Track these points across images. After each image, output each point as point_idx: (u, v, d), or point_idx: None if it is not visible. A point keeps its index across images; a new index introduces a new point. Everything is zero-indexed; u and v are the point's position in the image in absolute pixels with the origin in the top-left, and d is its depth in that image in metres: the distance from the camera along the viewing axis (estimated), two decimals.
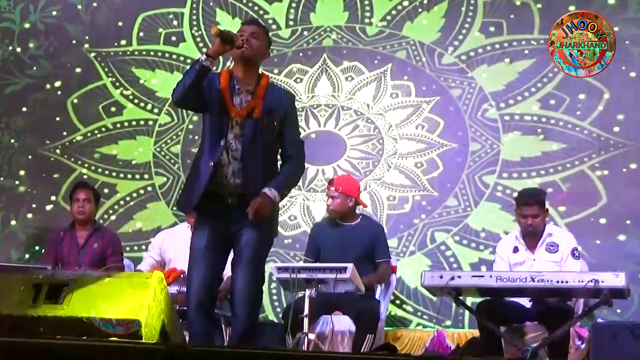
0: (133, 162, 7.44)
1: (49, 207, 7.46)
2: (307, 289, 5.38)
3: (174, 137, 7.41)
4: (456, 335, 6.27)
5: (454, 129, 6.93)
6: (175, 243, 6.27)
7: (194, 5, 7.59)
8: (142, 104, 7.52)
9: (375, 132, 7.07)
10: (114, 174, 7.44)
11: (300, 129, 6.80)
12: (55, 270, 5.78)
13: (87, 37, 7.66)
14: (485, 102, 6.89)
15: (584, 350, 5.70)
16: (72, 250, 6.30)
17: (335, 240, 5.99)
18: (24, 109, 7.66)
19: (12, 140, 7.63)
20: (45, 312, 3.89)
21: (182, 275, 5.67)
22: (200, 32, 7.54)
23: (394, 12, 7.20)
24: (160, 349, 2.84)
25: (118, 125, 7.52)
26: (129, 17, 7.65)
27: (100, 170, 7.46)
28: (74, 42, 7.67)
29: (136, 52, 7.62)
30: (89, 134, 7.53)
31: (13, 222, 7.48)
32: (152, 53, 7.59)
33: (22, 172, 7.58)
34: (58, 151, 7.54)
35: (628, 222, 6.48)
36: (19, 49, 7.74)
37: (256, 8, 7.47)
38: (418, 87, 7.06)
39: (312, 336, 5.35)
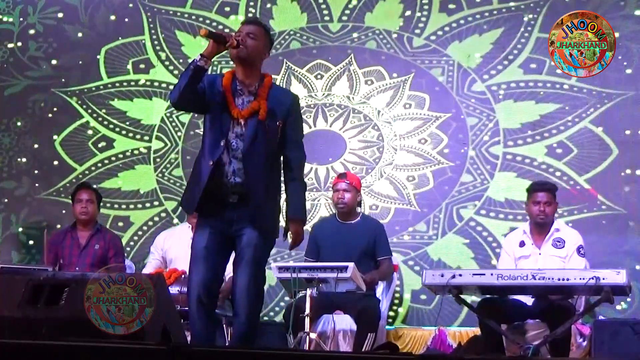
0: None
1: (49, 208, 7.45)
2: (308, 289, 5.39)
3: (172, 161, 7.35)
4: (457, 333, 6.27)
5: (445, 104, 6.96)
6: (176, 243, 6.27)
7: (152, 32, 7.54)
8: (130, 134, 7.43)
9: (367, 121, 7.07)
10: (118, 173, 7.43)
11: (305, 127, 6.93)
12: (57, 271, 5.78)
13: (86, 38, 7.64)
14: (468, 77, 6.94)
15: (585, 347, 5.70)
16: (73, 251, 6.30)
17: (336, 239, 5.98)
18: (24, 110, 7.65)
19: (12, 142, 7.63)
20: (46, 313, 3.89)
21: (183, 276, 5.68)
22: (166, 55, 7.49)
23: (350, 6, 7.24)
24: (162, 350, 2.85)
25: (113, 158, 7.45)
26: (127, 17, 7.63)
27: (101, 166, 7.45)
28: (72, 42, 7.66)
29: (109, 86, 7.56)
30: (89, 132, 7.54)
31: (14, 224, 7.47)
32: (124, 83, 7.53)
33: (22, 174, 7.57)
34: (58, 152, 7.53)
35: (629, 220, 6.49)
36: (18, 50, 7.74)
37: (214, 24, 7.41)
38: (389, 71, 7.08)
39: (313, 335, 5.35)
